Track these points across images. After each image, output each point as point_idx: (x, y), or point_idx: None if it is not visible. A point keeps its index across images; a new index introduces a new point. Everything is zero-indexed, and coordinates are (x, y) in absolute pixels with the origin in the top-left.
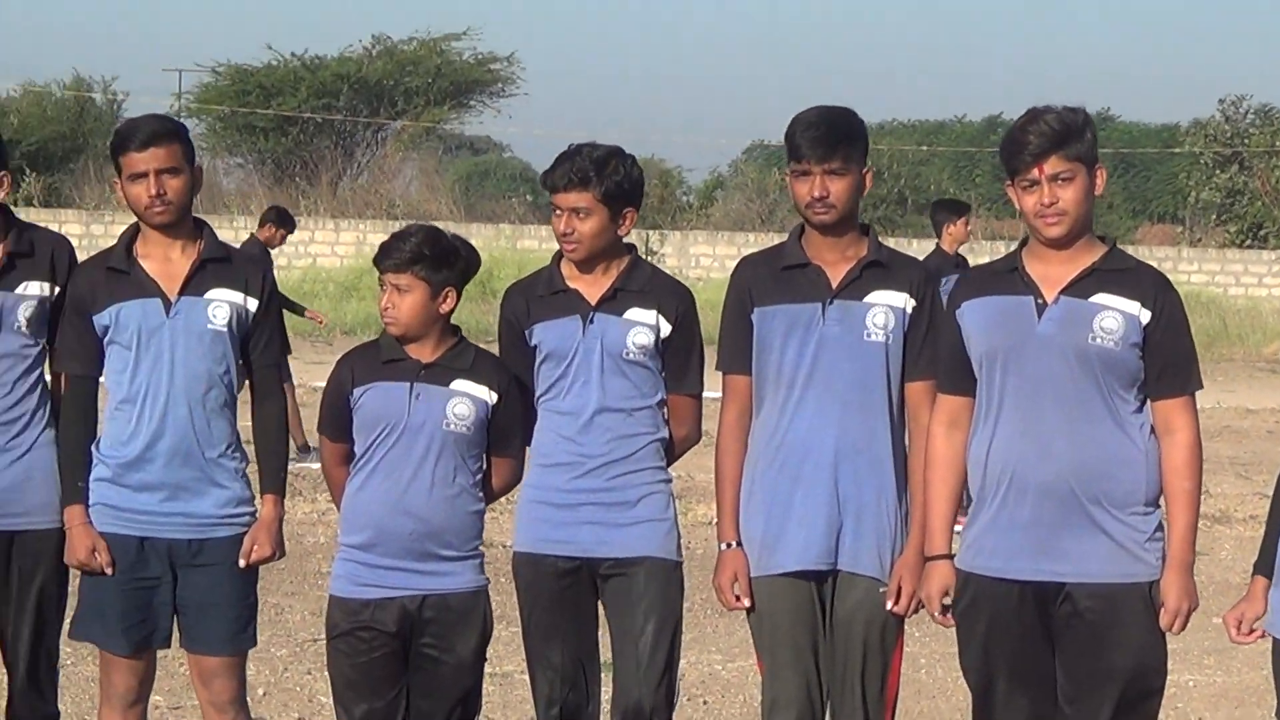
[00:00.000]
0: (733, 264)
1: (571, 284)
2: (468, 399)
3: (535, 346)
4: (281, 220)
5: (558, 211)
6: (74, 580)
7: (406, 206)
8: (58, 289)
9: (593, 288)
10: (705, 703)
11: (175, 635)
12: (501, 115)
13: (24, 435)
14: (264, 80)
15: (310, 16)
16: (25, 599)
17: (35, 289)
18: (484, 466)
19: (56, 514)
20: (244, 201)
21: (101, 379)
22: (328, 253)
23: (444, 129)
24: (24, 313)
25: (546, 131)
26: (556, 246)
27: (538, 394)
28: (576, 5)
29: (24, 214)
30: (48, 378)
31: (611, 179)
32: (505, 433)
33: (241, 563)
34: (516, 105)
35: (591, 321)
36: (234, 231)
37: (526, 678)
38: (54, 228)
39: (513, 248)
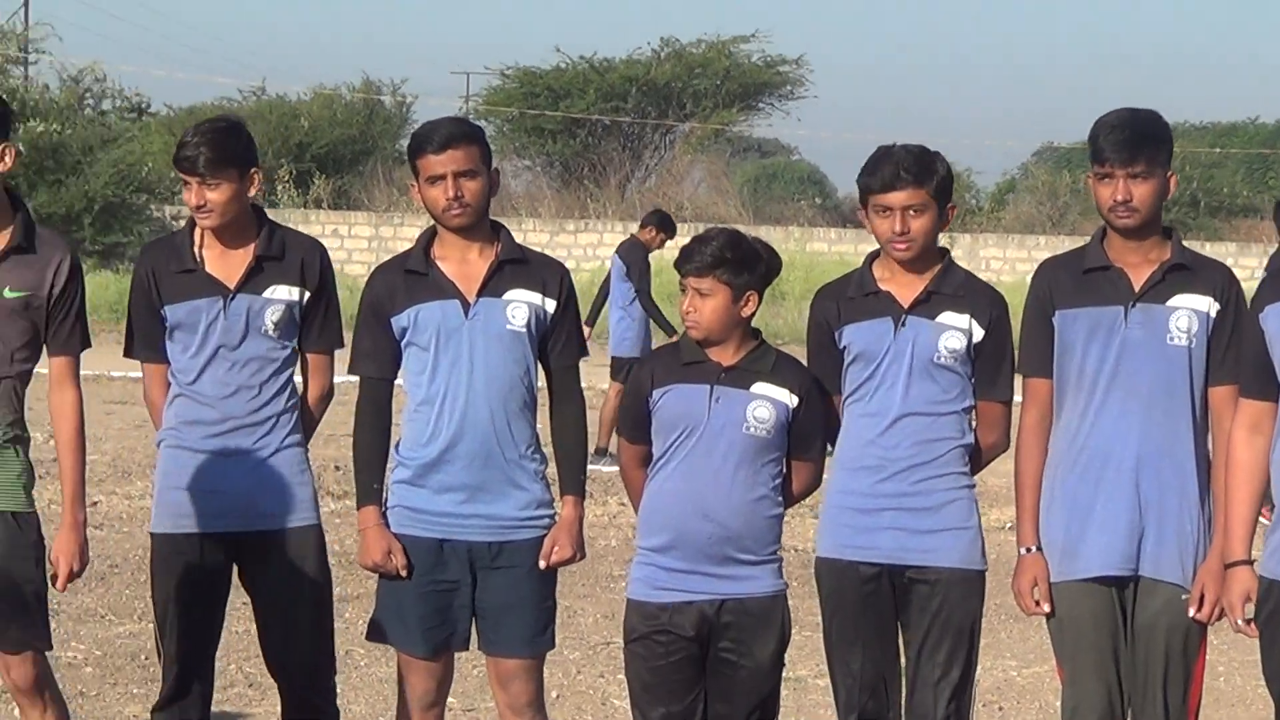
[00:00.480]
0: (1023, 267)
1: (884, 286)
2: (768, 402)
3: (844, 348)
4: (663, 224)
5: (885, 211)
6: (366, 581)
7: (694, 209)
8: (307, 294)
9: (906, 290)
10: (1000, 709)
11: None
12: (790, 118)
13: (270, 436)
14: (552, 83)
15: (599, 19)
16: (286, 601)
17: (284, 293)
18: (783, 470)
19: (308, 513)
20: (532, 204)
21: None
22: None
23: (732, 131)
24: (271, 316)
25: (834, 134)
26: (846, 248)
27: (844, 396)
28: (865, 7)
29: (312, 216)
30: (298, 380)
31: (939, 174)
32: (805, 436)
33: (541, 564)
34: (805, 108)
35: (903, 324)
36: (522, 234)
37: (821, 683)
38: (343, 230)
39: (802, 250)
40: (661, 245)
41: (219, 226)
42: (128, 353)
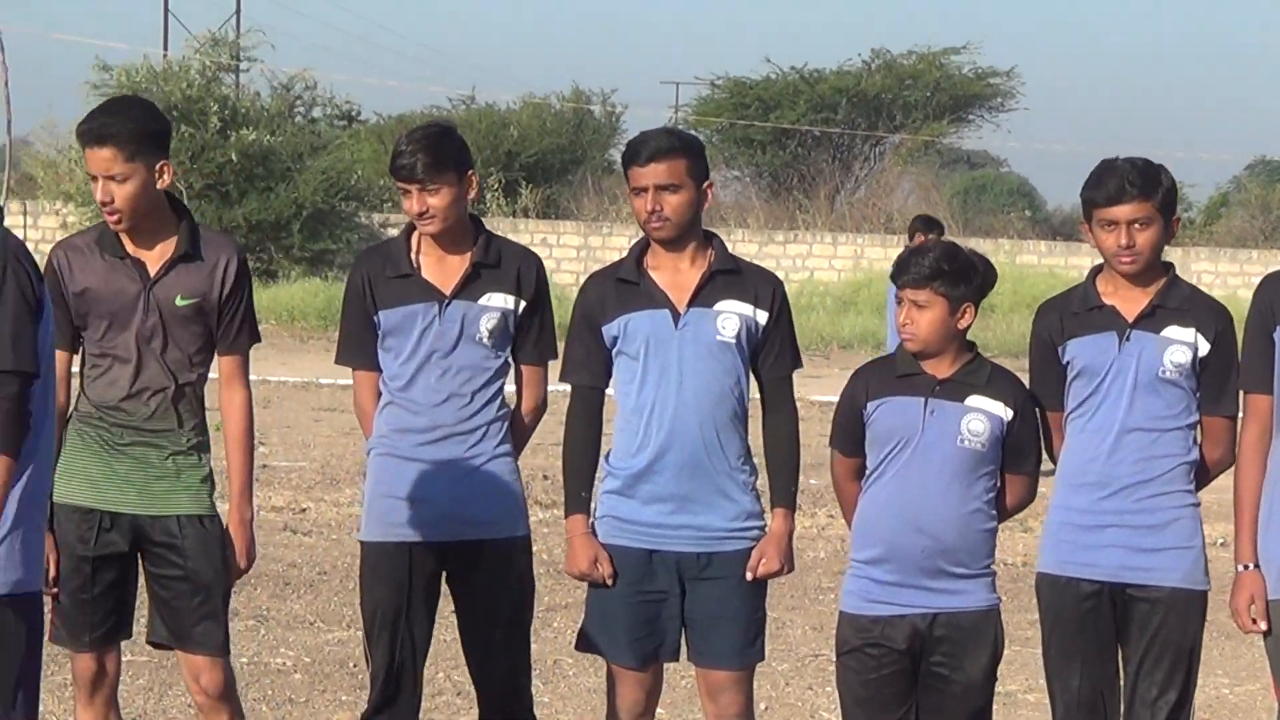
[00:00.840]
0: (1234, 281)
1: (1108, 300)
2: (983, 415)
3: (1068, 364)
4: (929, 226)
5: (1110, 225)
6: (575, 591)
7: (903, 221)
8: (523, 303)
9: (1130, 304)
10: None
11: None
12: (1000, 129)
13: (482, 445)
14: (762, 93)
15: (809, 30)
16: (489, 610)
17: (499, 300)
18: (997, 484)
19: (517, 523)
20: (740, 215)
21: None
22: (825, 266)
23: (942, 143)
24: (486, 324)
25: (1045, 146)
26: (1056, 261)
27: (1067, 412)
28: (1076, 19)
29: (520, 225)
30: (510, 389)
31: (1164, 187)
32: (1019, 450)
33: (749, 576)
34: (1015, 120)
35: (1128, 339)
36: (730, 244)
37: (1030, 698)
38: (551, 239)
39: (1011, 263)
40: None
41: (440, 232)
42: (340, 359)
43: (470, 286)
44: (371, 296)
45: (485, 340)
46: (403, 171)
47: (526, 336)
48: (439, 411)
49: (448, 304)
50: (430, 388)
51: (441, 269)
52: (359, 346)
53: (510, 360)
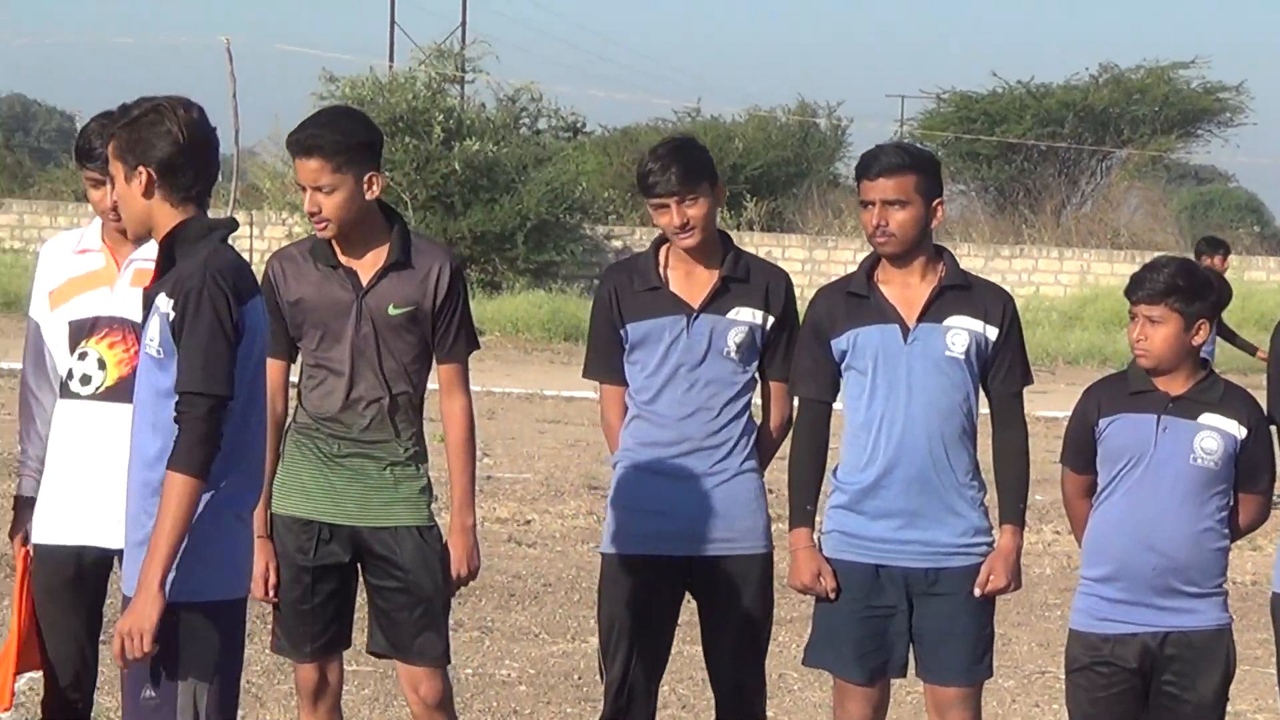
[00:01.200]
0: None
1: None
2: (1216, 433)
3: None
4: (1213, 246)
5: None
6: (800, 605)
7: (1130, 236)
8: (771, 319)
9: None
10: None
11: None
12: (1228, 145)
13: (728, 460)
14: (989, 107)
15: (1036, 45)
16: (726, 625)
17: (747, 315)
18: (1230, 502)
19: (759, 540)
20: (965, 229)
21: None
22: (1051, 281)
23: (1169, 158)
24: (734, 338)
25: (1274, 161)
26: None
27: None
28: None
29: (745, 238)
30: (756, 401)
31: None
32: (1253, 469)
33: (976, 592)
34: (1243, 134)
35: None
36: (956, 259)
37: (1259, 718)
38: (775, 252)
39: (1240, 279)
40: (1224, 267)
41: (697, 244)
42: (587, 373)
43: (719, 300)
44: (619, 310)
45: (733, 354)
46: (657, 187)
47: (775, 352)
48: (685, 425)
49: (696, 317)
50: (677, 401)
51: (690, 283)
52: (606, 360)
53: (757, 376)
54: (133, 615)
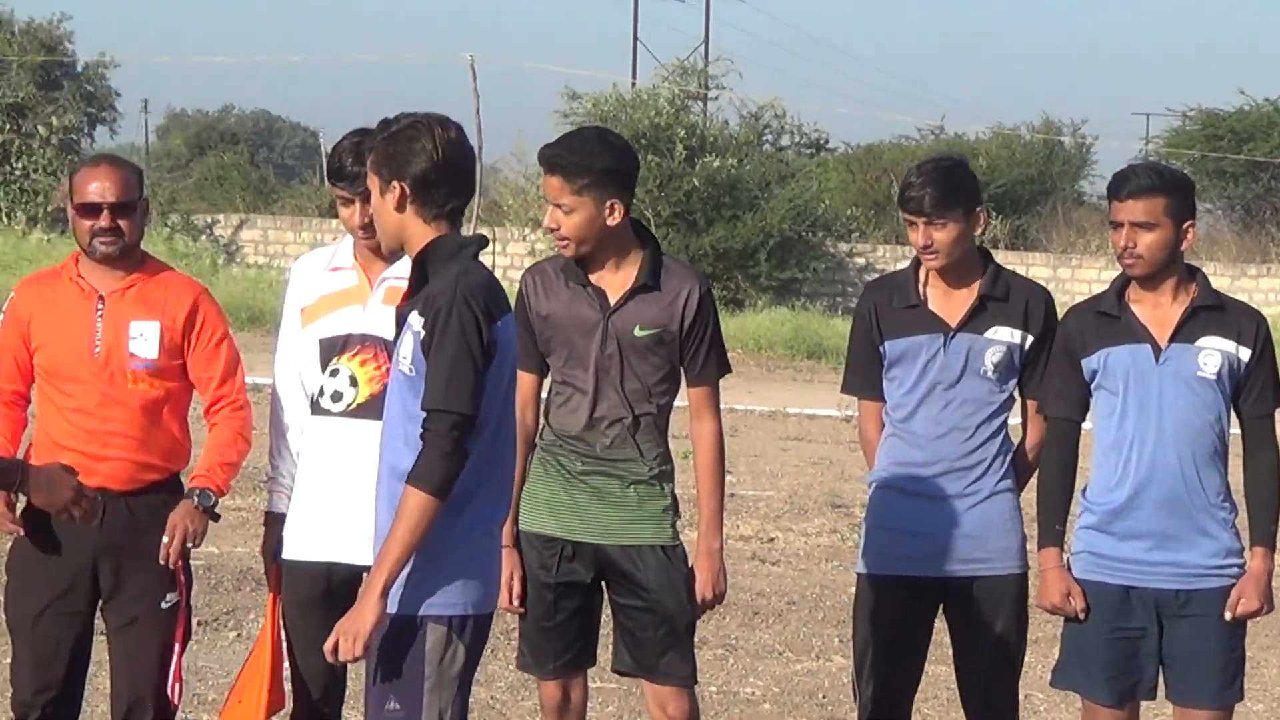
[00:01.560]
0: None
1: None
2: None
3: None
4: None
5: None
6: (1044, 625)
7: None
8: (1030, 338)
9: None
10: None
11: None
12: None
13: (983, 481)
14: (1235, 125)
15: None
16: (979, 647)
17: (1005, 334)
18: None
19: (1014, 560)
20: (1211, 248)
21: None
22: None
23: None
24: (991, 357)
25: None
26: None
27: None
28: None
29: None
30: (1013, 422)
31: None
32: None
33: (1227, 615)
34: None
35: None
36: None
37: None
38: (1020, 271)
39: None
40: None
41: (944, 267)
42: (845, 388)
43: (976, 319)
44: (878, 326)
45: (990, 374)
46: (910, 204)
47: (1033, 371)
48: (940, 445)
49: (953, 336)
50: (932, 419)
51: (948, 301)
52: (865, 377)
53: (1015, 394)
54: (352, 619)
